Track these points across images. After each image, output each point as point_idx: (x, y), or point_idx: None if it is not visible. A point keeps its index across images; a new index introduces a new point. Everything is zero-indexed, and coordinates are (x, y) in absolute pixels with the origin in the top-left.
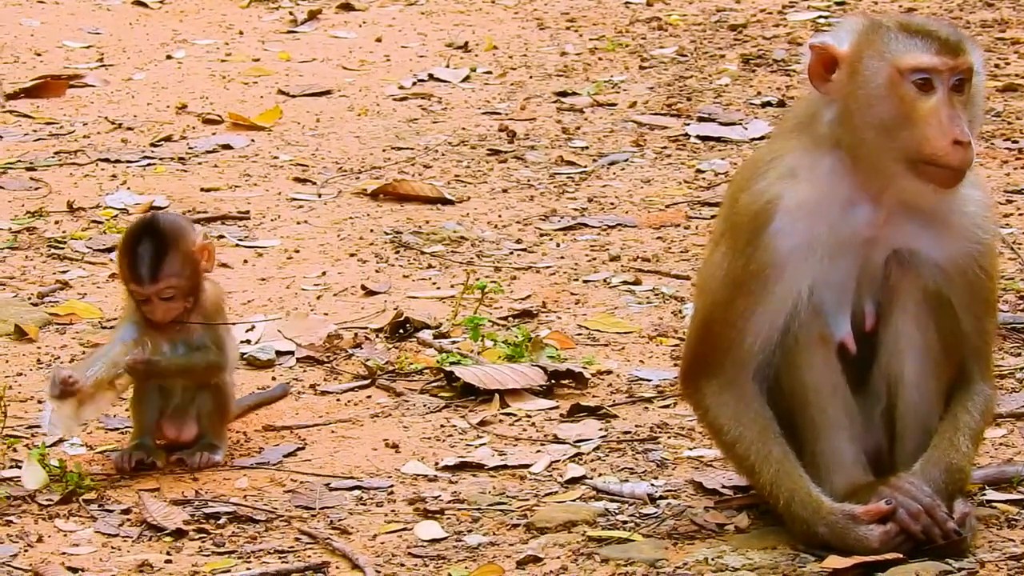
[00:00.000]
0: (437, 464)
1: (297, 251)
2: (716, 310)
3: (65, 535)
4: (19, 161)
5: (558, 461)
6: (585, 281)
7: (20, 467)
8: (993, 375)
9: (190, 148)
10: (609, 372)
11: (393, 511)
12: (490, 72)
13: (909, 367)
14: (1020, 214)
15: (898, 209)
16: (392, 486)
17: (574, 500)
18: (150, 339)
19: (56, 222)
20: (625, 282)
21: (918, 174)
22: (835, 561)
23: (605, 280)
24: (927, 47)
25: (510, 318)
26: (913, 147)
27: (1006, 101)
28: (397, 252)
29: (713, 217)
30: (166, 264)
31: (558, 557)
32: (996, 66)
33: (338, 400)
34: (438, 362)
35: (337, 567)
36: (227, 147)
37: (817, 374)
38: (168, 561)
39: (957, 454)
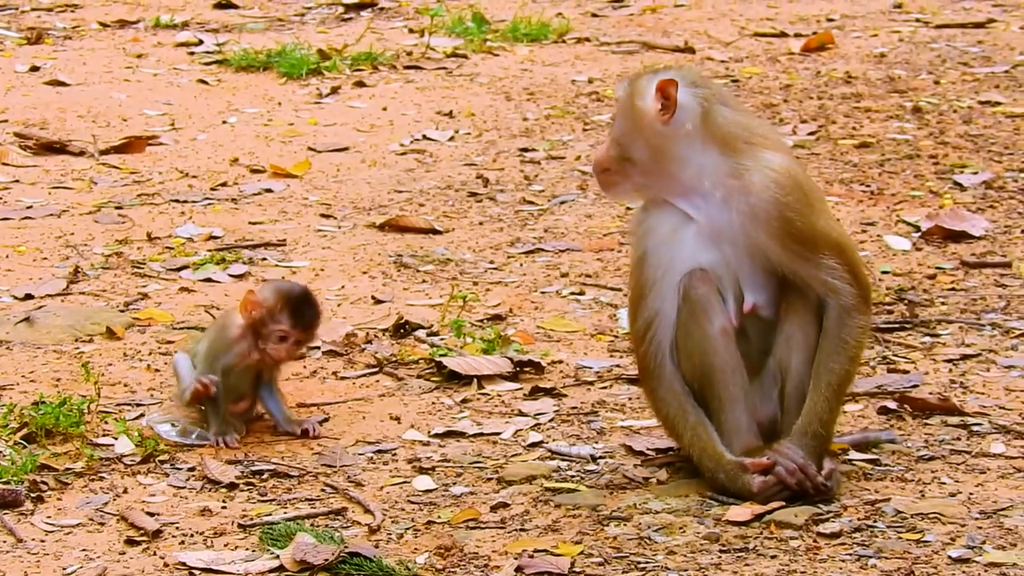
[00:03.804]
0: (430, 432)
1: (322, 270)
2: (630, 310)
3: (144, 487)
4: (110, 201)
5: (522, 430)
6: (542, 292)
7: (110, 436)
8: (861, 297)
9: (240, 191)
10: (561, 362)
11: (396, 468)
12: (469, 133)
13: (795, 360)
14: (871, 241)
15: (699, 203)
16: (395, 449)
17: (534, 459)
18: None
19: (138, 248)
20: (573, 293)
21: None
22: (737, 512)
23: (557, 291)
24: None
25: (485, 320)
26: None
27: (860, 155)
28: (399, 270)
29: None
30: (318, 324)
31: (522, 503)
32: (853, 129)
33: (354, 383)
34: (430, 354)
35: (353, 511)
36: (269, 191)
37: (721, 359)
38: (224, 507)
39: (819, 423)
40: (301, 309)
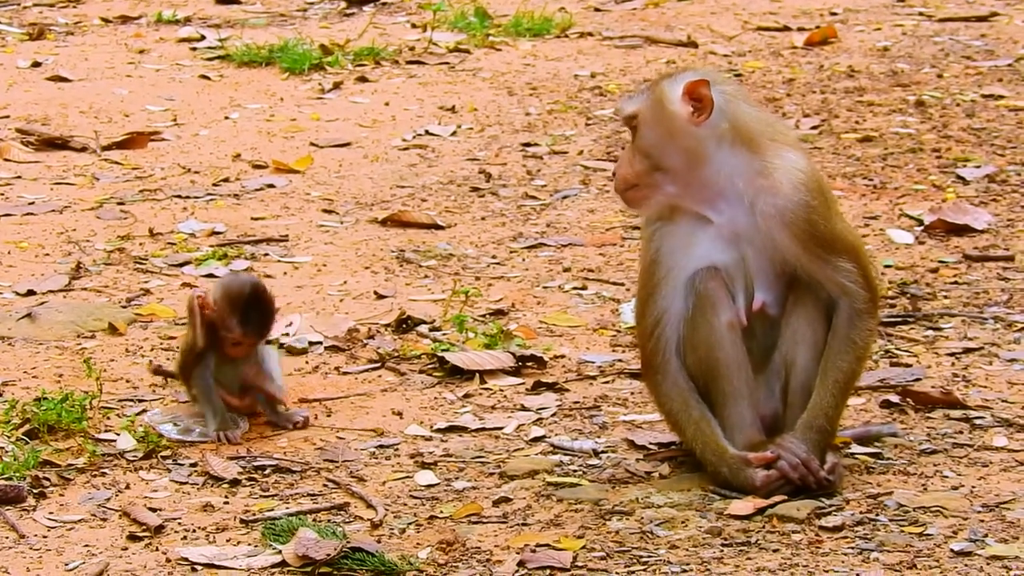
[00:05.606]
0: (432, 427)
1: (325, 265)
2: (638, 308)
3: (147, 483)
4: (112, 197)
5: (524, 424)
6: (545, 287)
7: (112, 432)
8: (872, 301)
9: (243, 187)
10: (563, 356)
11: (398, 463)
12: (472, 128)
13: (801, 356)
14: (875, 234)
15: (723, 206)
16: (398, 444)
17: (536, 454)
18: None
19: (140, 244)
20: (575, 288)
21: None
22: (739, 506)
23: (560, 286)
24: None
25: (487, 315)
26: None
27: (863, 149)
28: (401, 266)
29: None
30: (271, 325)
31: (524, 498)
32: (856, 123)
33: (356, 378)
34: (432, 349)
35: (355, 506)
36: (271, 186)
37: (726, 353)
38: (226, 503)
39: (824, 419)
40: (249, 314)
